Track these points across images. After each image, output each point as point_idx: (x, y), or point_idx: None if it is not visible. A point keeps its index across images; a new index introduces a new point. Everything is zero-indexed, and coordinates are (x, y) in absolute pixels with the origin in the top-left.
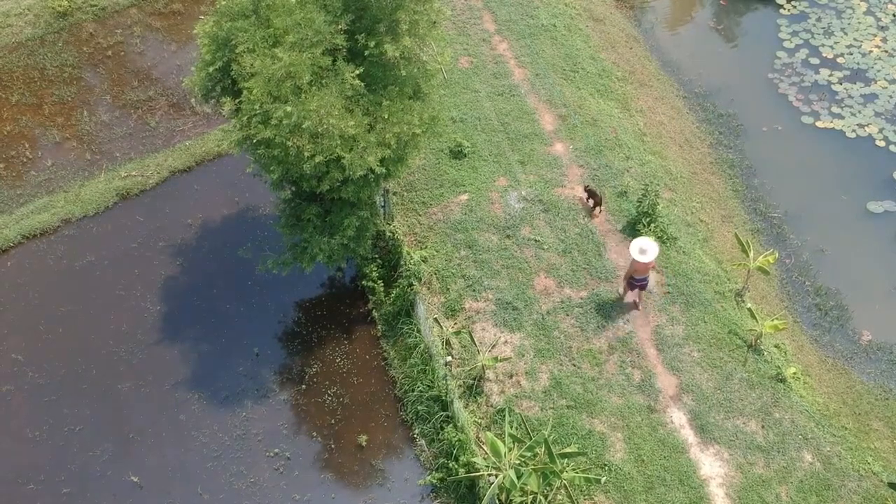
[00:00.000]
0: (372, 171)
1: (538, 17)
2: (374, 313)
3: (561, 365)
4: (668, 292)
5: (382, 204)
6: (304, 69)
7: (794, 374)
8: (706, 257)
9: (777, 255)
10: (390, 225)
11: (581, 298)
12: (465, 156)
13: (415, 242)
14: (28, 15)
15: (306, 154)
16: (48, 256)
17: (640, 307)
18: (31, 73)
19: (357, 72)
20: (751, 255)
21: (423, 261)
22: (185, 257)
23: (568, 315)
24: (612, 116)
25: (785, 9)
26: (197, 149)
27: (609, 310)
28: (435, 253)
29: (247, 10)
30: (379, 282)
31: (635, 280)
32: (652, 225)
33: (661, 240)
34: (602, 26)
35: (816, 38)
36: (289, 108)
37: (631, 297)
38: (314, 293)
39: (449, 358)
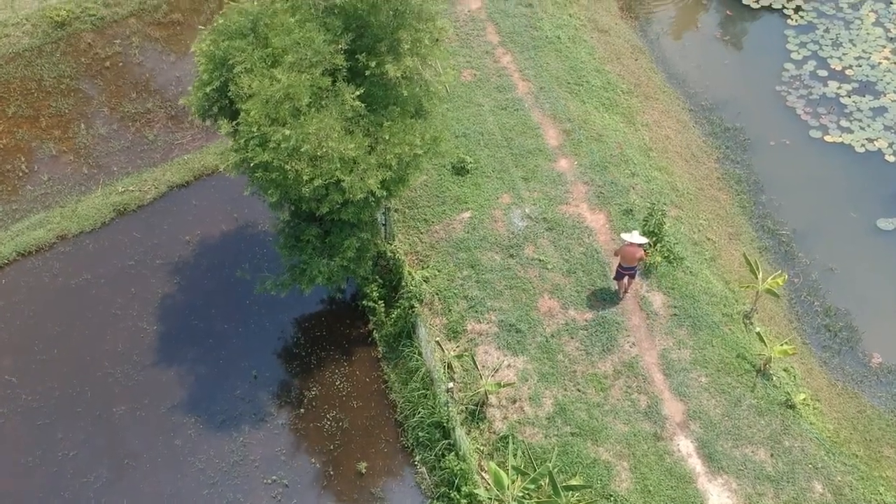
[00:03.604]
0: (372, 193)
1: (542, 28)
2: (375, 334)
3: (565, 390)
4: (675, 314)
5: (383, 222)
6: (303, 91)
7: (804, 400)
8: (713, 278)
9: (786, 276)
10: (391, 245)
11: (586, 321)
12: (468, 172)
13: (416, 261)
14: (26, 25)
15: (305, 177)
16: (43, 274)
17: (626, 294)
18: (28, 85)
19: (357, 93)
20: (759, 276)
21: (424, 281)
22: (183, 275)
23: (572, 338)
24: (618, 131)
25: (792, 19)
26: (195, 163)
27: (614, 332)
28: (437, 272)
29: (245, 29)
30: (380, 302)
31: (623, 269)
32: (658, 245)
33: (668, 260)
34: (607, 37)
35: (825, 50)
36: (287, 132)
37: (620, 286)
38: (313, 313)
39: (451, 385)
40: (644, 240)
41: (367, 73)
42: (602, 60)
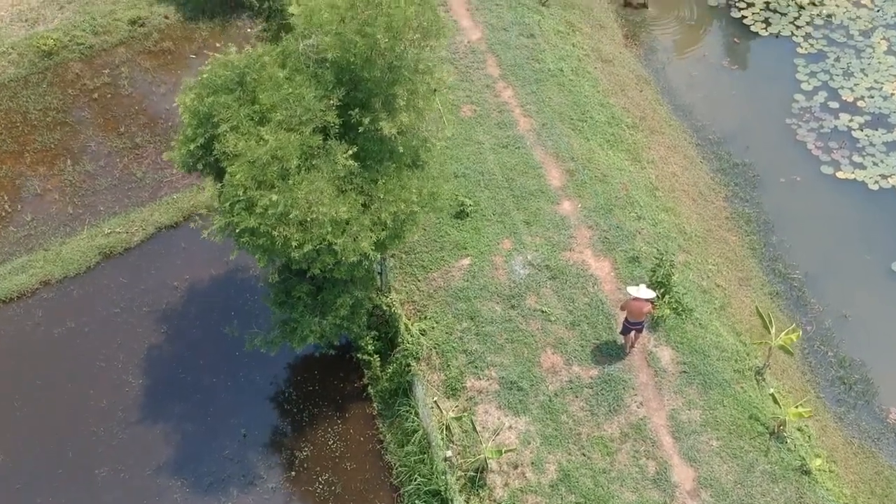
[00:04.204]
0: (365, 255)
1: (544, 60)
2: (370, 389)
3: (569, 454)
4: (685, 371)
5: (379, 271)
6: (292, 152)
7: (820, 466)
8: (724, 329)
9: (800, 333)
10: (387, 297)
11: (591, 378)
12: (468, 215)
13: (413, 311)
14: (11, 54)
15: (294, 243)
16: (25, 322)
17: (633, 348)
18: (13, 118)
19: (350, 152)
20: (772, 331)
21: (421, 333)
22: (170, 324)
23: (577, 397)
24: (623, 170)
25: (802, 47)
26: (185, 202)
27: (621, 391)
28: (435, 324)
29: (231, 83)
30: (375, 356)
31: (630, 323)
32: (666, 296)
33: (676, 312)
34: (611, 67)
35: (835, 80)
36: (275, 197)
37: (627, 341)
38: (306, 365)
39: (449, 453)
40: (652, 294)
41: (361, 129)
42: (606, 93)
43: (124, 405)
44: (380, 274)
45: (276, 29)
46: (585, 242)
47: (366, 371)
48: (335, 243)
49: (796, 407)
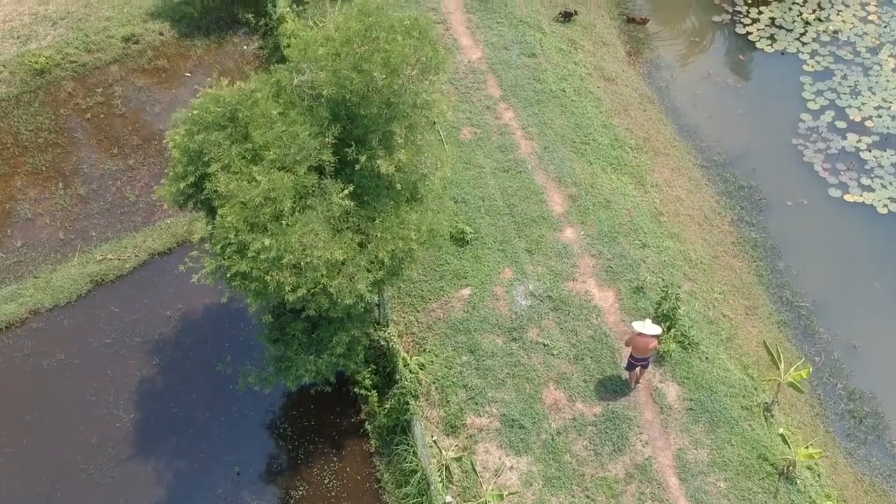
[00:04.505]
0: (361, 297)
1: (546, 80)
2: (367, 425)
3: (573, 497)
4: (691, 409)
5: (377, 303)
6: (286, 193)
7: None
8: (731, 363)
9: (810, 369)
10: (385, 331)
11: (595, 415)
12: (468, 243)
13: (412, 343)
14: (3, 72)
15: (288, 288)
16: (14, 354)
17: (638, 384)
18: (3, 138)
19: (346, 191)
20: (781, 367)
21: (420, 368)
22: (163, 356)
23: (580, 435)
24: (627, 195)
25: (808, 64)
26: (178, 228)
27: (626, 429)
28: (434, 358)
29: (222, 120)
30: (373, 391)
31: (635, 359)
32: (672, 330)
33: (682, 346)
34: (614, 86)
35: (843, 99)
36: (267, 241)
37: (632, 377)
38: (301, 399)
39: (449, 498)
40: (657, 330)
41: (358, 167)
42: (609, 113)
43: (115, 441)
44: (377, 306)
45: (272, 47)
46: (589, 271)
47: (363, 406)
48: (330, 285)
49: (806, 447)
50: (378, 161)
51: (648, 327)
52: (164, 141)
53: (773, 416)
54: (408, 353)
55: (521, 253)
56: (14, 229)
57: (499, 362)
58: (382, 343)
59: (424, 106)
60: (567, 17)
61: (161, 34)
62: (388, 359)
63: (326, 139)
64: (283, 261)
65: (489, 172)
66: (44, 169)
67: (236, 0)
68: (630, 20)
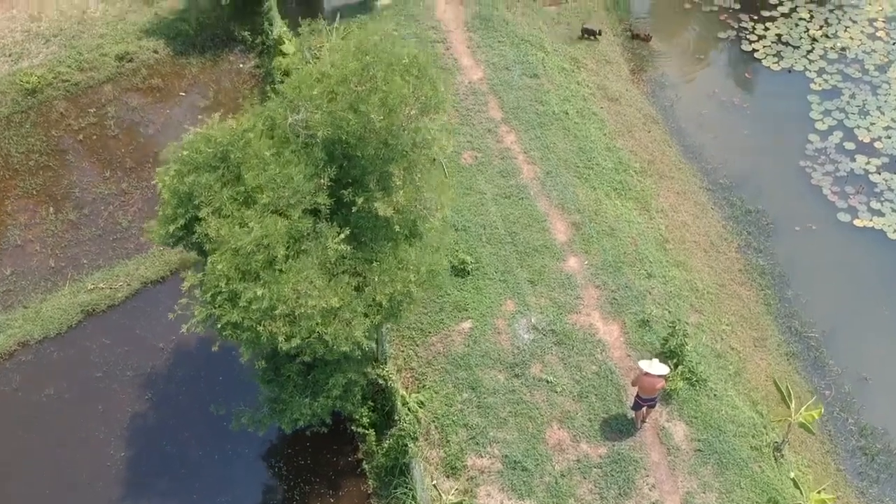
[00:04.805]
0: (359, 345)
1: (548, 102)
2: (365, 465)
3: None
4: (699, 450)
5: (375, 338)
6: (279, 240)
7: None
8: (739, 399)
9: (822, 409)
10: (383, 368)
11: (600, 457)
12: (469, 273)
13: (412, 379)
14: None
15: (281, 338)
16: (1, 389)
17: (644, 423)
18: None
19: (342, 235)
20: (792, 406)
21: (420, 406)
22: (155, 390)
23: (585, 478)
24: (631, 222)
25: (816, 83)
26: (171, 255)
27: (632, 472)
28: (434, 394)
29: (213, 161)
30: (370, 430)
31: (642, 399)
32: (680, 367)
33: (690, 383)
34: (618, 107)
35: (851, 119)
36: (259, 291)
37: (638, 416)
38: (297, 436)
39: None
40: (665, 370)
41: (355, 209)
42: (613, 135)
43: (105, 481)
44: (376, 341)
45: (269, 65)
46: (593, 304)
47: (361, 444)
48: (326, 333)
49: (819, 492)
50: (376, 204)
51: (655, 367)
52: (156, 178)
53: (783, 456)
54: (407, 389)
55: (523, 284)
56: (4, 256)
57: (501, 400)
58: (381, 382)
59: (424, 145)
60: (591, 34)
61: (156, 52)
62: (386, 397)
63: (322, 181)
64: (276, 311)
65: (490, 199)
66: (35, 193)
67: (232, 17)
68: (635, 36)
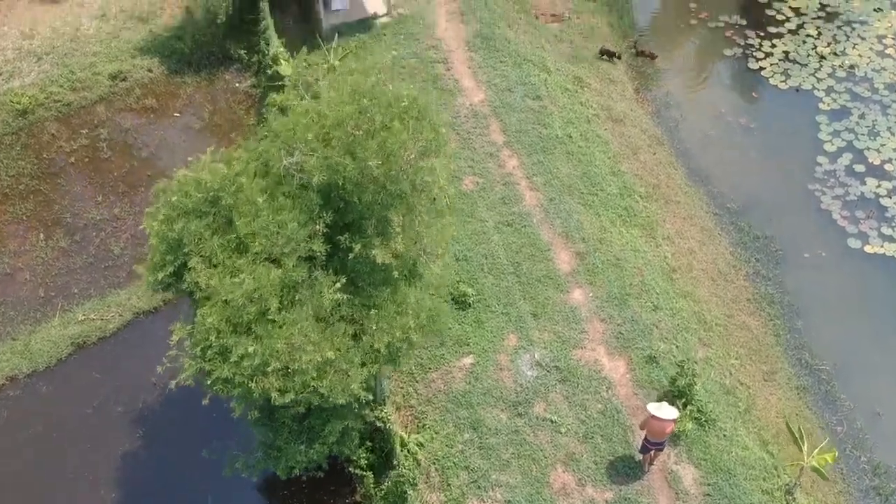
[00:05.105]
0: (357, 398)
1: (552, 125)
2: None
3: None
4: (709, 494)
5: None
6: (272, 292)
7: None
8: (749, 439)
9: (836, 453)
10: (382, 410)
11: (606, 502)
12: (470, 306)
13: (411, 418)
14: None
15: (275, 394)
16: None
17: (652, 465)
18: None
19: (338, 285)
20: (805, 448)
21: (419, 447)
22: (148, 428)
23: None
24: (637, 251)
25: (824, 102)
26: None
27: None
28: (434, 435)
29: (203, 206)
30: (369, 472)
31: (650, 443)
32: (688, 407)
33: (699, 423)
34: (622, 128)
35: (861, 140)
36: (251, 348)
37: (645, 460)
38: (294, 479)
39: None
40: (675, 414)
41: (352, 255)
42: (617, 158)
43: None
44: (374, 380)
45: (265, 86)
46: (598, 338)
47: (359, 486)
48: (321, 386)
49: None
50: (374, 251)
51: (665, 411)
52: (143, 223)
53: (794, 499)
54: (406, 428)
55: (526, 317)
56: None
57: (503, 440)
58: (379, 424)
59: (424, 187)
60: (610, 55)
61: (150, 71)
62: (385, 438)
63: (317, 227)
64: (269, 367)
65: (492, 227)
66: (25, 218)
67: (228, 35)
68: (640, 53)
